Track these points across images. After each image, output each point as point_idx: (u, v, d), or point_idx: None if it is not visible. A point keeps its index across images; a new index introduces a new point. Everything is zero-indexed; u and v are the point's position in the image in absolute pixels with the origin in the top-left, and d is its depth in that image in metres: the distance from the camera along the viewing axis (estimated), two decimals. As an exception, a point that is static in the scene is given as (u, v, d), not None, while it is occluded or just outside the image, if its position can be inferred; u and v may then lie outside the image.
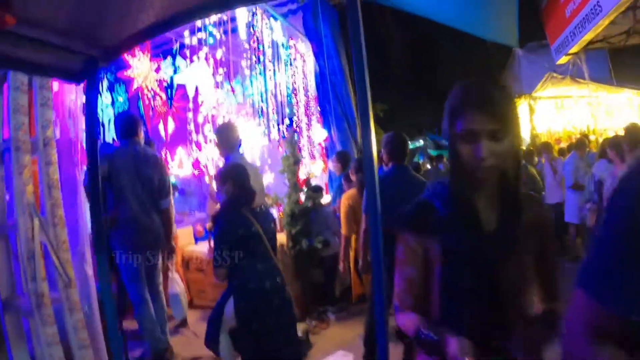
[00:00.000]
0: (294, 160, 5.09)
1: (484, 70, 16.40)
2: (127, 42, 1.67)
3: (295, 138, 5.11)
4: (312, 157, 7.50)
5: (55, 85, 2.95)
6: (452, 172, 1.30)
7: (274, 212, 5.16)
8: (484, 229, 1.26)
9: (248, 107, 5.27)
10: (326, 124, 7.98)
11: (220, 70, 5.64)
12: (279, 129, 6.68)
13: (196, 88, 6.08)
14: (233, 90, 5.89)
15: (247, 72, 5.91)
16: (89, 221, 3.06)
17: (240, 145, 3.86)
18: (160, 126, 6.53)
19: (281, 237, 4.97)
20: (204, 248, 4.79)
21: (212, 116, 5.88)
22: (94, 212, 1.87)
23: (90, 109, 1.88)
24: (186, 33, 5.66)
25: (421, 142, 22.48)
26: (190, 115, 6.35)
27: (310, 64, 7.87)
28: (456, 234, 1.26)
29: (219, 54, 5.76)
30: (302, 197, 5.17)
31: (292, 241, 4.92)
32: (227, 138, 3.74)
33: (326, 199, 7.81)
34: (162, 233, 3.85)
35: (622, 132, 6.98)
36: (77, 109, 3.11)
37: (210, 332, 3.06)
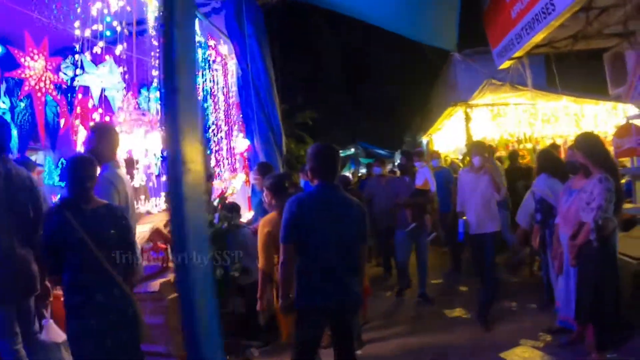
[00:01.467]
0: (207, 175, 4.45)
1: (419, 77, 16.60)
2: None
3: (206, 149, 4.46)
4: (233, 170, 6.85)
5: None
6: None
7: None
8: None
9: (152, 114, 4.52)
10: (249, 133, 7.38)
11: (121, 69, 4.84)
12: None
13: (102, 91, 5.25)
14: (136, 95, 5.12)
15: (154, 72, 5.16)
16: None
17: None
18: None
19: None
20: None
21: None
22: None
23: None
24: (89, 32, 4.83)
25: (352, 150, 22.31)
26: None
27: (232, 66, 7.24)
28: None
29: (120, 52, 4.96)
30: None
31: (205, 270, 4.26)
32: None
33: (249, 216, 7.23)
34: (37, 274, 3.11)
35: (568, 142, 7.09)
36: None
37: None
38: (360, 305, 3.07)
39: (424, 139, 15.66)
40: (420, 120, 17.51)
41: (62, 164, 6.66)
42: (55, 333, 3.35)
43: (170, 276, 3.90)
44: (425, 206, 5.90)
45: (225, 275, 4.28)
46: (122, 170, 3.38)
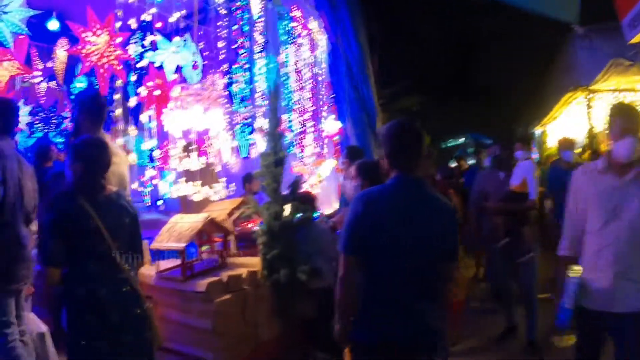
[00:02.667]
0: (276, 159, 3.82)
1: (531, 62, 14.61)
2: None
3: (277, 129, 3.81)
4: (321, 155, 6.20)
5: None
6: None
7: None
8: None
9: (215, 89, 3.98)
10: (340, 115, 6.67)
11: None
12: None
13: (178, 69, 4.94)
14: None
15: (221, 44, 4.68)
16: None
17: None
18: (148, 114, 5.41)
19: (256, 263, 3.75)
20: (151, 270, 3.60)
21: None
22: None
23: None
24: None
25: (461, 140, 20.52)
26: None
27: (322, 43, 6.56)
28: None
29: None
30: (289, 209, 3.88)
31: (267, 269, 3.65)
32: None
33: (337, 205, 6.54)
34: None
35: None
36: None
37: None
38: (441, 342, 2.18)
39: (537, 130, 13.66)
40: (532, 109, 15.40)
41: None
42: (36, 325, 3.14)
43: (224, 275, 3.35)
44: (524, 215, 4.10)
45: (291, 276, 3.63)
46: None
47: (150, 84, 4.85)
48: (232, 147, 4.98)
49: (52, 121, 5.78)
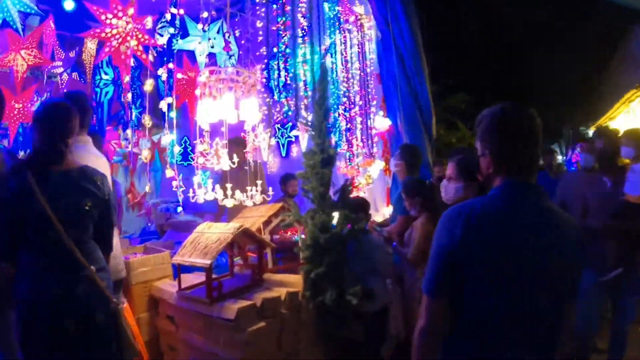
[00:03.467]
0: (323, 158, 3.19)
1: (585, 60, 13.42)
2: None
3: (326, 124, 3.17)
4: (370, 154, 5.53)
5: None
6: None
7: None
8: None
9: (252, 74, 3.36)
10: (390, 111, 5.98)
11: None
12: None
13: (212, 56, 4.41)
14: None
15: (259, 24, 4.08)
16: None
17: None
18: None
19: (297, 280, 3.13)
20: (173, 286, 3.04)
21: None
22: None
23: None
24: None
25: None
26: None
27: (370, 31, 5.89)
28: None
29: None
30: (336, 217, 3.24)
31: (310, 289, 3.02)
32: None
33: (387, 213, 5.83)
34: None
35: None
36: None
37: None
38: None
39: (591, 131, 12.47)
40: (584, 109, 14.16)
41: (184, 142, 6.11)
42: None
43: (258, 297, 2.75)
44: None
45: (338, 299, 2.99)
46: None
47: (180, 75, 4.35)
48: (270, 144, 4.39)
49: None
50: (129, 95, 4.23)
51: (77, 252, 1.92)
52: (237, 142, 4.11)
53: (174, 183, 3.07)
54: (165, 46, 3.81)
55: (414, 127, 5.88)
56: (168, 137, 3.30)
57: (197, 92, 2.94)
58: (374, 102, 5.77)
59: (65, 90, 4.42)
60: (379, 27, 5.80)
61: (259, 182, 3.20)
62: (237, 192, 3.04)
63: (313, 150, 3.22)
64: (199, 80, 2.96)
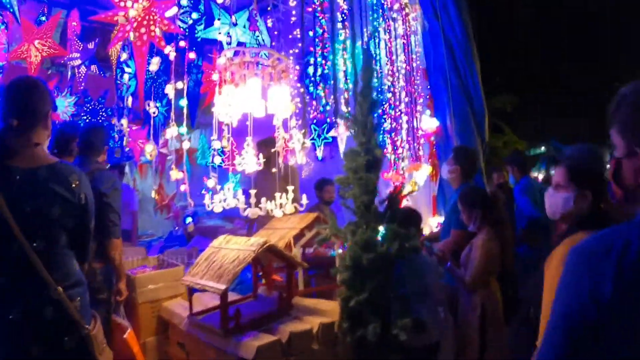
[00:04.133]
0: (368, 161, 2.63)
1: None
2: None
3: (372, 119, 2.63)
4: (416, 158, 4.93)
5: None
6: None
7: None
8: None
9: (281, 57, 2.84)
10: (438, 110, 5.37)
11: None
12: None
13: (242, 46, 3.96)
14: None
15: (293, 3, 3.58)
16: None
17: None
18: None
19: (333, 308, 2.59)
20: (184, 309, 2.56)
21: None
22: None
23: None
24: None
25: (542, 149, 18.12)
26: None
27: (416, 23, 5.32)
28: None
29: None
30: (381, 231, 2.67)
31: (348, 320, 2.47)
32: None
33: (432, 223, 5.21)
34: None
35: None
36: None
37: None
38: None
39: None
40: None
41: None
42: None
43: (284, 330, 2.22)
44: None
45: (383, 333, 2.43)
46: None
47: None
48: (305, 145, 3.87)
49: (101, 114, 5.03)
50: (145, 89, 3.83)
51: (43, 269, 1.56)
52: (267, 143, 3.63)
53: (182, 187, 2.59)
54: (187, 33, 3.35)
55: (465, 127, 5.26)
56: (174, 130, 2.82)
57: (215, 77, 2.46)
58: (421, 100, 5.19)
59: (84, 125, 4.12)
60: (427, 17, 5.23)
61: (290, 188, 2.67)
62: (263, 200, 2.52)
63: (356, 150, 2.67)
64: (219, 63, 2.47)
